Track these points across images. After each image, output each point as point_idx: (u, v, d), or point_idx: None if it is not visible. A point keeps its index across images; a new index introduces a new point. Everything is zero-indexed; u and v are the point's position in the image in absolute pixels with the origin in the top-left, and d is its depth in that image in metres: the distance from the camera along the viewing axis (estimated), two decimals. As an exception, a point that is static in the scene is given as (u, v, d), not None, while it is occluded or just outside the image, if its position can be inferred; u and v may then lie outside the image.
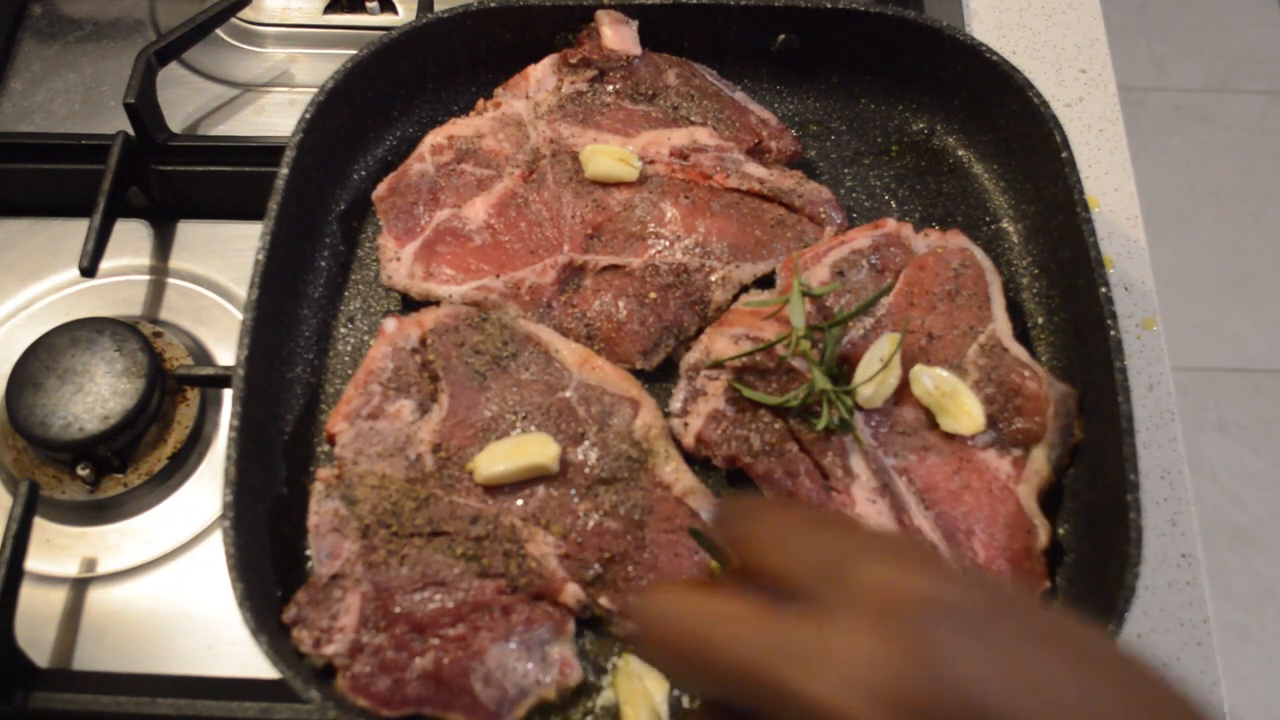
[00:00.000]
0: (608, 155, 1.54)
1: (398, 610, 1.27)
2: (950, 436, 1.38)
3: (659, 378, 1.48)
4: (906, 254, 1.50)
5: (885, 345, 1.39)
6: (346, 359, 1.52)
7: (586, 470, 1.36)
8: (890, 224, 1.52)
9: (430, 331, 1.43)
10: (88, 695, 1.32)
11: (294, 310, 1.51)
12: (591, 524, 1.33)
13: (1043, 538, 1.33)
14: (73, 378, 1.48)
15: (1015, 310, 1.51)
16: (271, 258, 1.42)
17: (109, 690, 1.33)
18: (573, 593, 1.29)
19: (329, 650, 1.25)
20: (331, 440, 1.39)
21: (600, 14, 1.63)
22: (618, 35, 1.63)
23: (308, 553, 1.36)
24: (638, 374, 1.47)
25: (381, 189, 1.56)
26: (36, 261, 1.69)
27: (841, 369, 1.41)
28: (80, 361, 1.50)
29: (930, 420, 1.39)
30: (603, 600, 1.31)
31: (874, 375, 1.38)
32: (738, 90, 1.66)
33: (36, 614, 1.42)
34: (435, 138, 1.60)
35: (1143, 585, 1.45)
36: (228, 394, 1.55)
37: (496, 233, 1.53)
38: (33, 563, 1.41)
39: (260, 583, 1.29)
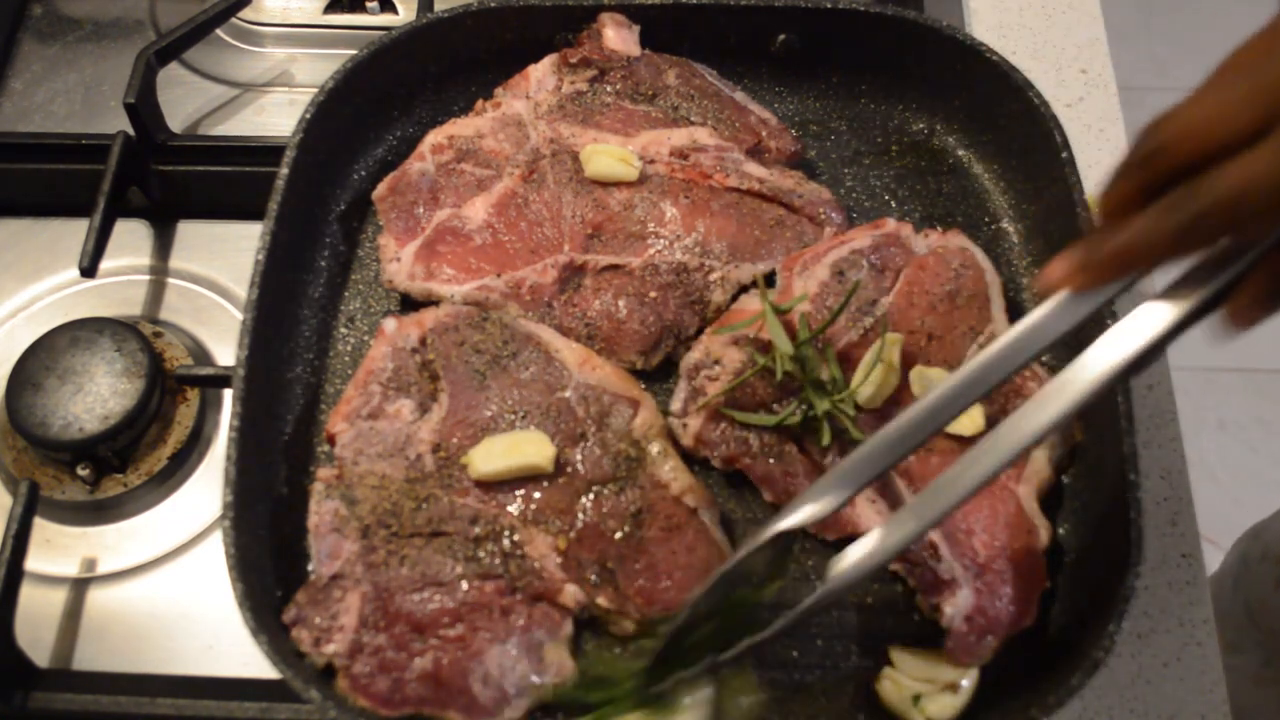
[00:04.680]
0: (608, 155, 1.54)
1: (397, 610, 1.27)
2: (950, 437, 1.38)
3: (659, 378, 1.48)
4: (907, 254, 1.50)
5: (885, 346, 1.39)
6: (347, 359, 1.52)
7: (585, 469, 1.36)
8: (890, 224, 1.52)
9: (430, 331, 1.43)
10: (87, 695, 1.32)
11: (294, 310, 1.51)
12: (590, 523, 1.33)
13: (1043, 538, 1.33)
14: (73, 378, 1.48)
15: (1015, 310, 1.51)
16: (271, 257, 1.42)
17: (109, 690, 1.33)
18: (572, 594, 1.29)
19: (329, 650, 1.25)
20: (331, 440, 1.39)
21: (604, 16, 1.64)
22: (619, 37, 1.63)
23: (308, 553, 1.35)
24: (638, 374, 1.47)
25: (382, 188, 1.56)
26: (36, 261, 1.69)
27: (842, 368, 1.41)
28: (80, 361, 1.50)
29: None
30: (601, 600, 1.31)
31: (873, 377, 1.38)
32: (738, 90, 1.66)
33: (36, 614, 1.42)
34: (435, 137, 1.60)
35: (1143, 585, 1.45)
36: (228, 394, 1.54)
37: (497, 232, 1.53)
38: (32, 563, 1.41)
39: (260, 583, 1.29)
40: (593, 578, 1.30)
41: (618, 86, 1.62)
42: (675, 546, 1.33)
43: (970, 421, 1.38)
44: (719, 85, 1.64)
